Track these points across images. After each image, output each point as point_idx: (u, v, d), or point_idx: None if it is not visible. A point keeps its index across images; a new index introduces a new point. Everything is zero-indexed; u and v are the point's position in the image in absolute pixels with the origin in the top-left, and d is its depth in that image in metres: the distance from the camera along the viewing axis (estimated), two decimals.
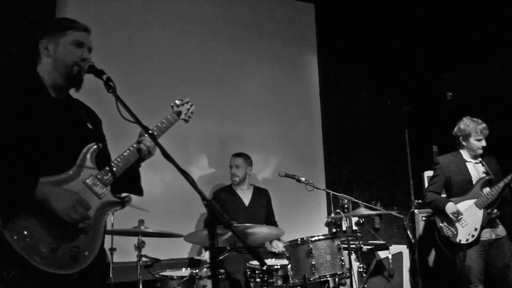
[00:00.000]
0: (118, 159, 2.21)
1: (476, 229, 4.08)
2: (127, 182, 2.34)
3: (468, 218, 4.14)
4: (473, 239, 4.07)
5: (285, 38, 6.04)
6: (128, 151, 2.24)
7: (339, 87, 6.40)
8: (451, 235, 4.19)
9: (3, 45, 4.15)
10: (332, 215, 3.99)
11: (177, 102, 2.63)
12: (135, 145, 2.26)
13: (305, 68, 6.22)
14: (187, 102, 2.66)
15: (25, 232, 1.88)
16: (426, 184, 5.17)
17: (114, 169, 2.18)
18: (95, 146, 2.19)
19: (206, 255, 4.56)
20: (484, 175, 4.24)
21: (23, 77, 2.22)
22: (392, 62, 6.56)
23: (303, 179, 4.15)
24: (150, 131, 2.07)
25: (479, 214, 4.11)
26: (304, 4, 6.32)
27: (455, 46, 5.99)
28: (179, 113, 2.59)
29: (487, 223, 4.06)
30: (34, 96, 2.13)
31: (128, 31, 5.01)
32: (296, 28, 6.19)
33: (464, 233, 4.13)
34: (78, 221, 1.98)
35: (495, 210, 4.09)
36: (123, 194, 2.29)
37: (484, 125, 4.27)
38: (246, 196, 4.88)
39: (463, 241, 4.11)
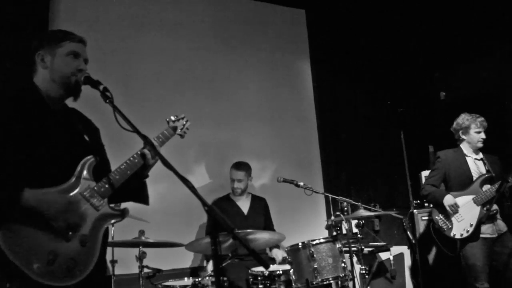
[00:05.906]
0: (116, 172, 2.22)
1: (471, 225, 4.08)
2: (132, 191, 2.35)
3: (464, 214, 4.14)
4: (467, 234, 4.07)
5: (277, 44, 6.07)
6: (125, 164, 2.25)
7: (332, 91, 6.43)
8: (445, 229, 4.20)
9: None
10: (332, 218, 4.00)
11: (172, 118, 2.61)
12: (138, 152, 2.26)
13: (298, 73, 6.24)
14: (182, 118, 2.65)
15: (22, 244, 1.88)
16: None
17: (111, 181, 2.19)
18: (92, 159, 2.20)
19: (209, 266, 4.53)
20: (485, 172, 4.24)
21: (19, 87, 2.21)
22: (384, 64, 6.58)
23: (301, 183, 4.16)
24: (148, 140, 2.06)
25: (475, 211, 4.11)
26: (295, 10, 6.36)
27: (446, 44, 6.01)
28: (174, 128, 2.59)
29: (487, 218, 4.06)
30: (31, 107, 2.12)
31: (122, 42, 5.01)
32: (288, 34, 6.22)
33: (459, 228, 4.14)
34: (64, 228, 1.98)
35: (494, 206, 4.10)
36: (122, 206, 2.30)
37: (482, 118, 4.31)
38: (244, 205, 4.86)
39: (457, 236, 4.12)
